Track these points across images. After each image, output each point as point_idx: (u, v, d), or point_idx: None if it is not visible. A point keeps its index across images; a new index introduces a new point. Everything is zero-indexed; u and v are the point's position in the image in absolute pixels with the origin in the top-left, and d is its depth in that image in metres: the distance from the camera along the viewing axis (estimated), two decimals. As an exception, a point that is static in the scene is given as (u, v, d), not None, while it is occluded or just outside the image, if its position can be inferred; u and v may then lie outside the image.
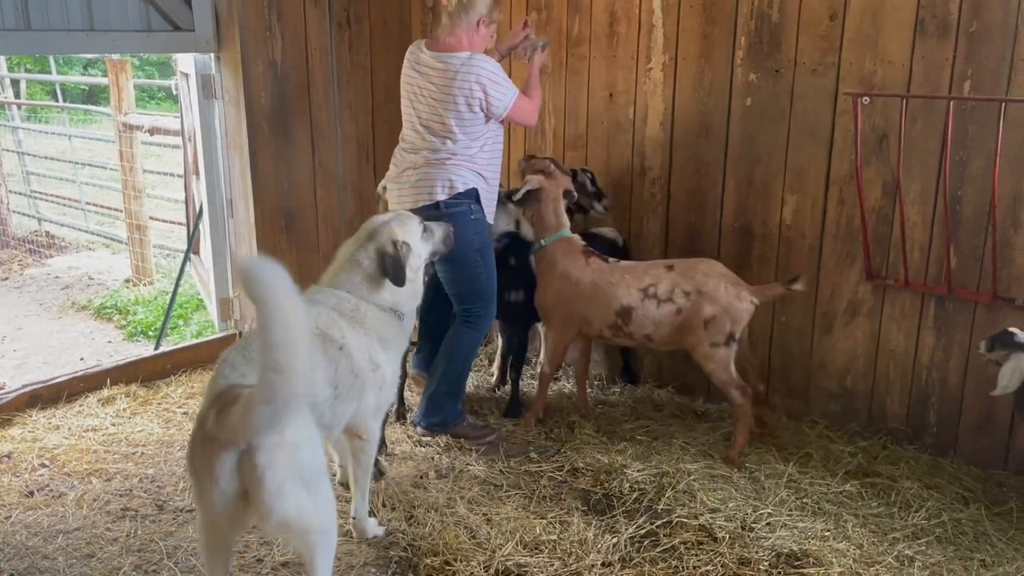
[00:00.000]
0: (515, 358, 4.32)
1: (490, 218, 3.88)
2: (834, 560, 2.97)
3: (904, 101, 3.53)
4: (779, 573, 2.93)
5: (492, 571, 2.93)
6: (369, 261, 3.03)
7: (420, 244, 3.17)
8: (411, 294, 3.16)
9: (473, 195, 3.74)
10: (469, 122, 3.66)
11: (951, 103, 3.41)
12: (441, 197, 3.70)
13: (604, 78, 4.51)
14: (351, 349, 2.89)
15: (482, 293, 3.85)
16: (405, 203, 3.77)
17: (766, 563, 2.97)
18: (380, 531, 3.21)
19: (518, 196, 3.90)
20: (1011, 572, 2.94)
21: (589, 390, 4.48)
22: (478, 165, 3.74)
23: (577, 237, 3.96)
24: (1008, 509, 3.36)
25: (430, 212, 3.63)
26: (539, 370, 4.24)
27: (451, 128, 3.66)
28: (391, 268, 3.02)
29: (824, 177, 3.91)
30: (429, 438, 3.95)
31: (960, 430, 3.76)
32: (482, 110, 3.64)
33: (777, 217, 4.07)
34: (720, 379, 3.71)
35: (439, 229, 3.28)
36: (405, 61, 3.83)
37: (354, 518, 3.18)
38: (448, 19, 3.68)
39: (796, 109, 3.93)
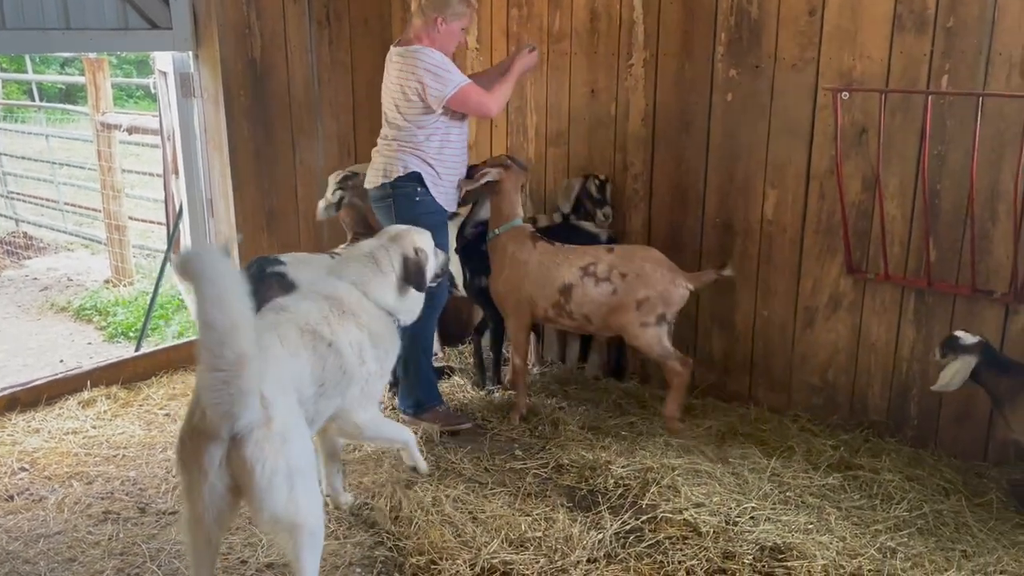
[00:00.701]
0: (493, 338, 4.52)
1: (447, 205, 3.95)
2: (817, 553, 2.98)
3: (883, 96, 3.55)
4: (763, 566, 2.94)
5: (478, 569, 2.92)
6: (388, 262, 3.12)
7: (432, 259, 3.29)
8: (413, 306, 3.25)
9: (416, 178, 3.83)
10: (408, 110, 3.79)
11: (929, 98, 3.44)
12: (383, 180, 3.87)
13: (585, 75, 4.51)
14: (340, 345, 2.90)
15: None
16: (368, 186, 4.00)
17: (750, 557, 2.98)
18: (424, 465, 3.50)
19: (474, 185, 4.00)
20: (992, 562, 2.96)
21: (575, 386, 4.52)
22: (424, 153, 3.84)
23: (528, 226, 4.10)
24: (988, 500, 3.39)
25: (375, 193, 3.90)
26: (511, 365, 4.26)
27: (396, 116, 3.84)
28: (414, 274, 3.15)
29: (805, 172, 3.93)
30: (415, 429, 3.96)
31: (940, 422, 3.79)
32: (420, 99, 3.75)
33: (758, 212, 4.09)
34: (656, 354, 3.85)
35: (442, 255, 3.42)
36: None
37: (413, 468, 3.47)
38: (413, 16, 3.90)
39: (776, 105, 3.94)
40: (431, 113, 3.78)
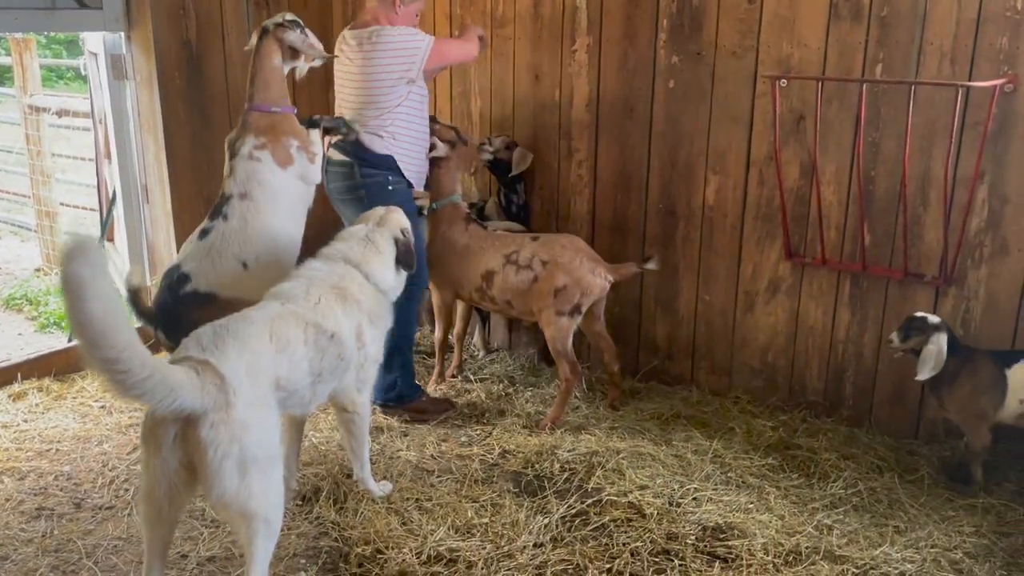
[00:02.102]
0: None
1: (415, 180, 3.92)
2: (757, 531, 3.05)
3: (820, 84, 3.61)
4: (705, 546, 3.00)
5: (424, 557, 2.92)
6: (385, 243, 3.21)
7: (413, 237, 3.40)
8: (401, 283, 3.33)
9: (385, 165, 3.78)
10: (376, 92, 3.72)
11: (864, 86, 3.52)
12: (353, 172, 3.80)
13: (529, 59, 4.49)
14: (342, 335, 2.95)
15: None
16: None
17: (693, 537, 3.04)
18: (389, 487, 3.34)
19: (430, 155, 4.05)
20: (923, 537, 3.07)
21: (520, 372, 4.57)
22: (391, 129, 3.76)
23: (464, 204, 4.18)
24: (920, 477, 3.50)
25: (344, 185, 3.82)
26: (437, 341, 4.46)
27: (358, 100, 3.76)
28: (403, 254, 3.25)
29: (745, 158, 3.98)
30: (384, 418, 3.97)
31: (874, 402, 3.91)
32: (400, 75, 3.68)
33: (700, 198, 4.14)
34: (556, 348, 3.90)
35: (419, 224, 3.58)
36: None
37: (358, 481, 3.30)
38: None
39: (717, 91, 3.99)
40: (408, 85, 3.71)
